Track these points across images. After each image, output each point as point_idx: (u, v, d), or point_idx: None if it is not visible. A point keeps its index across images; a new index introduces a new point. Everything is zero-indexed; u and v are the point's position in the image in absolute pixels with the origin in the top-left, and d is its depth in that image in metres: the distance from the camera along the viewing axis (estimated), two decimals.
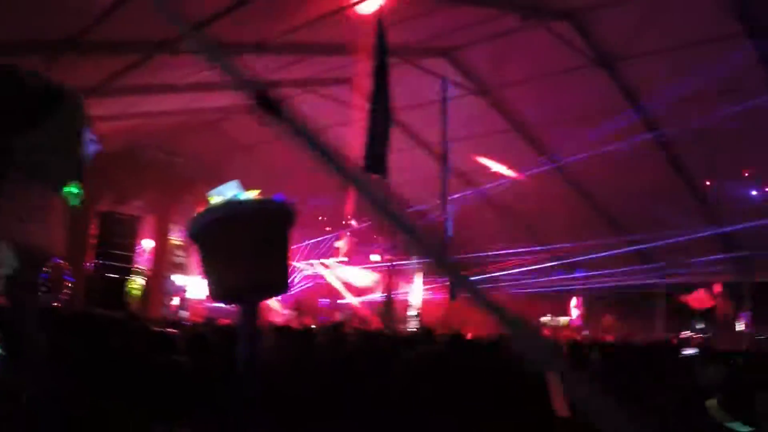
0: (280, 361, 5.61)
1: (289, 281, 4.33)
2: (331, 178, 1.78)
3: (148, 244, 19.54)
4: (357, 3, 10.08)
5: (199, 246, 4.11)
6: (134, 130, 16.28)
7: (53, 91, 3.97)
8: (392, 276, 19.79)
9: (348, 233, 21.52)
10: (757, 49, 11.16)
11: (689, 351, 10.01)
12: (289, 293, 21.59)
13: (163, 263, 19.58)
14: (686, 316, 19.56)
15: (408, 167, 15.09)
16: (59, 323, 6.30)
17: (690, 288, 19.48)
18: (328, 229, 21.81)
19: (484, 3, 11.01)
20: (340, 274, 22.26)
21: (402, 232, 1.85)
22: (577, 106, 14.22)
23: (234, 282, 3.97)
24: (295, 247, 21.29)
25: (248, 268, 3.96)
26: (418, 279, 21.86)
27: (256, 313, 4.09)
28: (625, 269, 18.88)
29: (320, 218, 21.00)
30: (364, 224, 20.27)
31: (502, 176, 17.38)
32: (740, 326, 18.63)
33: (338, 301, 22.78)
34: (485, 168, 17.42)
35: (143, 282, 18.81)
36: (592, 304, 21.51)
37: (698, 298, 19.40)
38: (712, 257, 17.47)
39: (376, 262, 21.62)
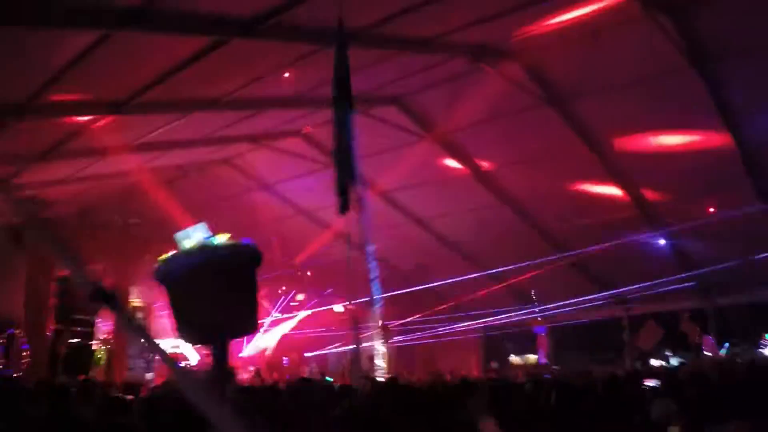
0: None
1: (257, 322, 4.40)
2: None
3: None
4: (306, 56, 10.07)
5: (169, 288, 4.12)
6: (87, 193, 16.12)
7: None
8: (357, 326, 19.68)
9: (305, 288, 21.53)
10: (703, 80, 11.35)
11: (651, 382, 9.97)
12: (254, 352, 21.55)
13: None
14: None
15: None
16: (18, 393, 6.21)
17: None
18: (283, 288, 21.75)
19: (431, 49, 11.08)
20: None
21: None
22: (530, 146, 14.34)
23: (204, 323, 4.00)
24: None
25: (219, 309, 3.99)
26: (384, 330, 21.77)
27: (227, 352, 4.11)
28: (587, 303, 19.06)
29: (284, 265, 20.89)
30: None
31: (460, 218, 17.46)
32: (706, 350, 18.89)
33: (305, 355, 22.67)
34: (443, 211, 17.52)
35: (107, 346, 18.52)
36: (559, 339, 21.66)
37: (645, 337, 19.69)
38: (673, 287, 17.66)
39: (339, 313, 21.53)
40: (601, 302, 19.39)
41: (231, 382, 7.88)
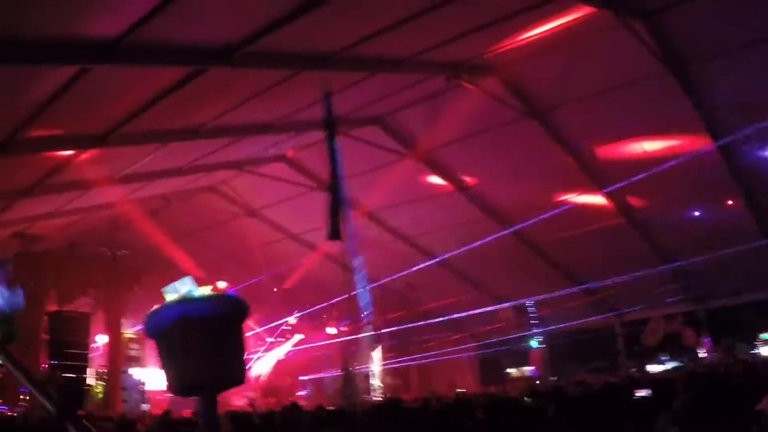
0: None
1: (245, 373, 4.46)
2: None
3: (101, 339, 19.21)
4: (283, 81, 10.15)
5: (157, 342, 4.20)
6: (75, 226, 16.13)
7: None
8: (349, 349, 19.76)
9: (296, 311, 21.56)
10: (680, 84, 11.44)
11: (642, 392, 9.69)
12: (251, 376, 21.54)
13: (119, 358, 19.24)
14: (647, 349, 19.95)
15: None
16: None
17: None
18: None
19: (407, 68, 11.15)
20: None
21: None
22: (514, 159, 14.41)
23: (193, 376, 4.06)
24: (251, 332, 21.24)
25: (206, 363, 4.07)
26: (377, 350, 21.83)
27: (215, 403, 4.18)
28: (580, 313, 19.19)
29: (274, 289, 20.89)
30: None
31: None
32: (702, 353, 18.97)
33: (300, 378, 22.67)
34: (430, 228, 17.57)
35: (101, 380, 18.48)
36: (554, 350, 21.72)
37: (650, 334, 19.75)
38: (664, 290, 17.79)
39: (333, 335, 21.52)
40: (594, 311, 19.54)
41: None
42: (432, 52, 10.50)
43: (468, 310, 19.35)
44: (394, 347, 21.56)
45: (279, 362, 22.43)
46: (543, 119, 13.17)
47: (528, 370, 21.86)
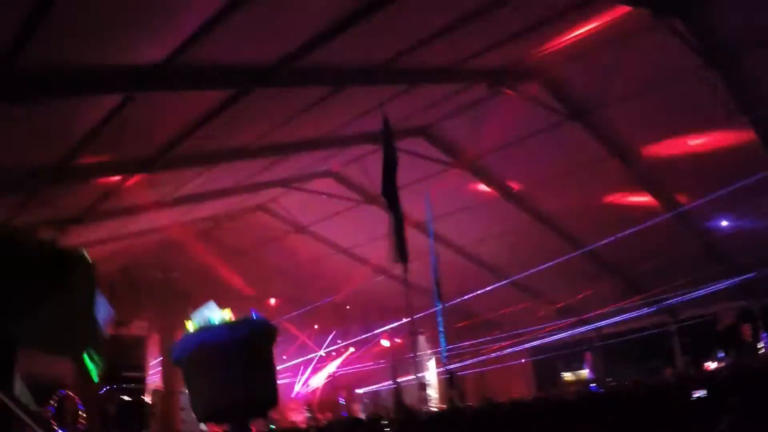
0: None
1: (276, 395, 4.35)
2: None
3: (157, 362, 19.39)
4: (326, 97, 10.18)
5: (183, 370, 4.14)
6: (127, 251, 16.33)
7: (62, 259, 3.27)
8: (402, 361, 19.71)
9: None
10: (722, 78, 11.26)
11: (699, 393, 9.40)
12: (305, 391, 21.57)
13: (175, 379, 19.38)
14: (702, 347, 19.52)
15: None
16: None
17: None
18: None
19: (449, 78, 11.13)
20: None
21: None
22: (559, 162, 14.28)
23: (220, 403, 3.98)
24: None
25: (233, 389, 3.97)
26: (431, 361, 21.80)
27: (246, 429, 4.09)
28: (633, 313, 19.01)
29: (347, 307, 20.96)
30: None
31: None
32: (761, 347, 18.55)
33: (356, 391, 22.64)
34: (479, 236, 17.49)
35: (159, 401, 18.62)
36: (609, 352, 21.48)
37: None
38: (716, 286, 17.50)
39: (385, 348, 21.49)
40: (647, 311, 19.31)
41: None
42: (474, 59, 10.48)
43: (527, 321, 19.34)
44: (450, 356, 21.43)
45: (333, 376, 22.41)
46: (586, 121, 13.05)
47: (585, 372, 21.56)
